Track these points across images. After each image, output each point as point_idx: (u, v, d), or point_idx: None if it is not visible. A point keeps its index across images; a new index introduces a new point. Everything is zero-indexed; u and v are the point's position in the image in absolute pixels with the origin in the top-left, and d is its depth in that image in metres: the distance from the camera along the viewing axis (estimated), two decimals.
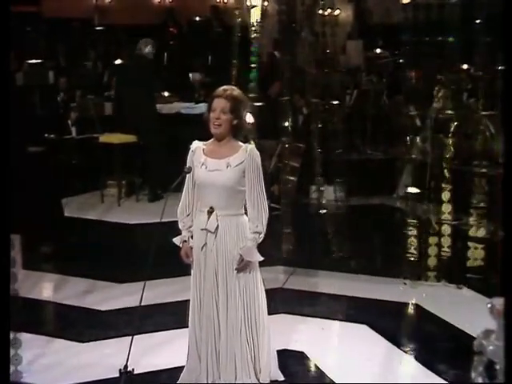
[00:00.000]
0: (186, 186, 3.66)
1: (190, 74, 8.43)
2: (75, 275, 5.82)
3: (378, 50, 11.51)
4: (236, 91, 3.57)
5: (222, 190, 3.52)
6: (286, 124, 6.39)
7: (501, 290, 2.55)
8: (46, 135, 9.02)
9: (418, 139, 5.97)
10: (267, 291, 3.70)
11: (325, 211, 6.76)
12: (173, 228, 3.72)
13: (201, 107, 8.20)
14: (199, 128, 3.76)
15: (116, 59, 10.47)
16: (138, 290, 4.04)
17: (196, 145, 3.64)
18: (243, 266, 3.55)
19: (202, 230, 3.57)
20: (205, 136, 3.65)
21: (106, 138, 8.23)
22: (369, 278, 5.78)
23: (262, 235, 3.57)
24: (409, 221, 5.79)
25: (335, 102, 6.82)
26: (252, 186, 3.54)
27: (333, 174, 6.97)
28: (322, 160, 6.67)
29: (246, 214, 3.62)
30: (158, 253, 3.47)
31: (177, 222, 3.69)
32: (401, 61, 8.02)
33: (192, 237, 3.65)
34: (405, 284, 5.59)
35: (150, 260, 3.41)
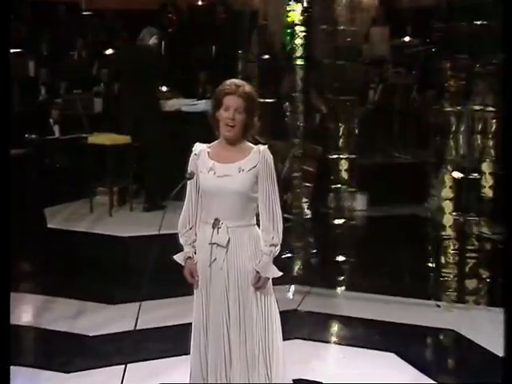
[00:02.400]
0: (188, 194, 3.65)
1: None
2: (60, 296, 5.87)
3: (407, 38, 11.53)
4: (249, 87, 3.59)
5: (233, 197, 3.52)
6: (300, 123, 6.43)
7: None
8: (26, 135, 9.10)
9: (453, 140, 5.99)
10: (280, 314, 3.72)
11: (345, 222, 6.78)
12: (172, 241, 3.74)
13: (204, 104, 8.25)
14: (202, 128, 3.78)
15: (107, 49, 10.54)
16: (132, 312, 4.06)
17: (199, 148, 3.64)
18: (261, 283, 3.55)
19: (210, 244, 3.56)
20: (209, 136, 3.66)
21: (95, 138, 8.27)
22: (396, 299, 5.80)
23: (279, 248, 3.57)
24: (443, 234, 5.81)
25: (357, 98, 6.84)
26: (266, 193, 3.55)
27: (355, 180, 6.99)
28: (343, 164, 6.69)
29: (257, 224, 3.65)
30: (156, 270, 3.50)
31: (177, 234, 3.69)
32: (433, 50, 8.04)
33: (196, 252, 3.65)
34: (438, 307, 5.60)
35: (146, 278, 3.44)
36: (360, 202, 8.03)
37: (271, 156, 3.58)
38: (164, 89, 9.35)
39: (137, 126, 8.04)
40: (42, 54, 11.69)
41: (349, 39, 7.06)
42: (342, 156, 6.92)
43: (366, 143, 8.90)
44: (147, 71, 8.09)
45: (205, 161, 3.59)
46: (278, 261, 3.56)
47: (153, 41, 8.31)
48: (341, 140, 6.80)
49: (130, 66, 8.36)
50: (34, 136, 9.22)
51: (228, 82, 3.57)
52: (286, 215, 6.32)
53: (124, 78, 8.51)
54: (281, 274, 3.58)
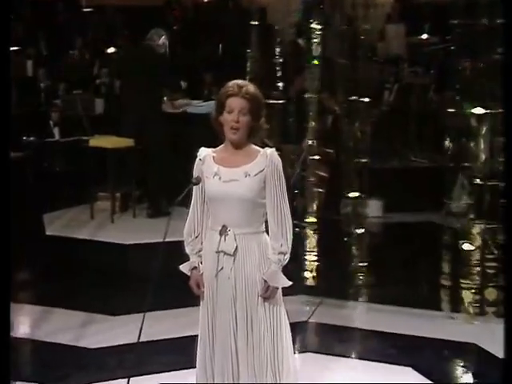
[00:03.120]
0: (193, 200, 3.67)
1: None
2: (59, 306, 5.88)
3: (424, 36, 11.53)
4: (253, 87, 3.59)
5: (240, 203, 3.53)
6: (312, 125, 6.44)
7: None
8: (25, 138, 9.14)
9: (473, 143, 5.99)
10: (291, 325, 3.73)
11: (359, 229, 6.79)
12: (178, 249, 3.76)
13: (210, 105, 8.27)
14: (208, 130, 3.78)
15: (108, 47, 10.57)
16: (135, 323, 4.08)
17: (205, 152, 3.66)
18: (270, 293, 3.56)
19: (217, 252, 3.57)
20: (215, 139, 3.66)
21: (96, 141, 8.30)
22: (413, 311, 5.80)
23: (288, 256, 3.58)
24: (462, 243, 5.81)
25: (371, 99, 6.85)
26: (274, 198, 3.56)
27: (369, 185, 7.00)
28: (356, 168, 6.70)
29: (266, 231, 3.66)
30: (160, 279, 3.51)
31: (183, 241, 3.70)
32: (452, 48, 8.03)
33: (202, 262, 3.65)
34: (452, 318, 5.61)
35: (150, 288, 3.45)
36: (374, 209, 8.03)
37: (279, 159, 3.58)
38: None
39: (140, 129, 8.07)
40: (40, 53, 11.73)
41: (362, 37, 7.07)
42: (355, 160, 6.92)
43: (381, 146, 8.91)
44: (152, 72, 8.12)
45: (210, 166, 3.60)
46: (287, 269, 3.57)
47: (162, 41, 8.34)
48: (354, 143, 6.80)
49: (135, 67, 8.39)
50: (32, 138, 9.26)
51: (231, 83, 3.58)
52: (296, 222, 6.38)
53: (128, 78, 8.55)
54: (290, 283, 3.59)
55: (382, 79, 10.15)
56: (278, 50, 5.89)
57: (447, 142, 6.40)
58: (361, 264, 6.58)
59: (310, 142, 6.54)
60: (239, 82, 3.58)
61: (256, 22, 6.23)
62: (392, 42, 11.14)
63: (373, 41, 10.54)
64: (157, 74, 8.12)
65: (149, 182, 8.31)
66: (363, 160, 6.78)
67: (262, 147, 3.63)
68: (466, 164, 6.03)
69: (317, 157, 6.56)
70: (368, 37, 7.11)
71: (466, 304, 5.71)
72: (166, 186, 7.88)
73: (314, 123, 6.40)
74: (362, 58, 7.08)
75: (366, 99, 6.94)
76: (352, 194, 6.98)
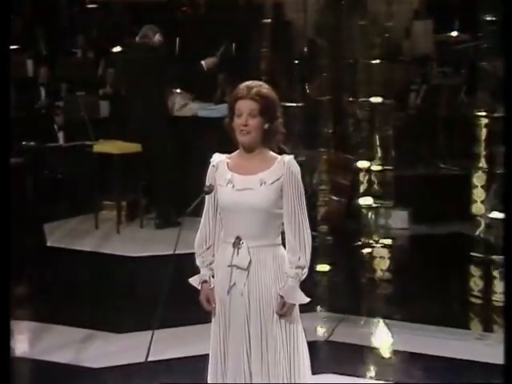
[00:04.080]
0: (205, 210, 3.68)
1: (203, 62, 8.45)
2: (61, 323, 5.92)
3: (454, 33, 11.52)
4: (264, 88, 3.60)
5: (254, 213, 3.55)
6: (331, 130, 6.46)
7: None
8: (25, 143, 9.21)
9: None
10: (308, 344, 3.76)
11: (383, 241, 6.80)
12: (188, 262, 3.79)
13: (222, 109, 8.31)
14: (220, 135, 3.79)
15: (114, 46, 10.63)
16: (141, 341, 4.12)
17: (218, 158, 3.67)
18: (286, 310, 3.57)
19: (229, 266, 3.59)
20: (228, 145, 3.69)
21: (101, 146, 8.36)
22: (441, 329, 5.82)
23: (306, 270, 3.59)
24: (494, 257, 5.82)
25: (396, 102, 6.87)
26: (292, 208, 3.56)
27: (394, 194, 7.01)
28: (380, 176, 6.72)
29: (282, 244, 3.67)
30: (169, 294, 3.54)
31: (193, 254, 3.72)
32: (484, 46, 8.04)
33: (214, 276, 3.68)
34: (480, 339, 5.61)
35: (159, 303, 3.48)
36: (399, 219, 8.05)
37: (298, 167, 3.59)
38: (178, 91, 9.40)
39: (143, 133, 8.10)
40: (41, 52, 11.81)
41: (387, 35, 7.09)
42: (379, 167, 6.94)
43: (407, 152, 8.91)
44: (151, 72, 8.14)
45: (223, 173, 3.62)
46: (304, 285, 3.59)
47: (157, 38, 8.36)
48: (378, 149, 6.82)
49: (132, 68, 8.45)
50: (32, 143, 9.33)
51: (241, 85, 3.60)
52: (314, 233, 6.39)
53: (128, 80, 8.62)
54: (308, 299, 3.60)
55: (408, 80, 10.16)
56: (295, 48, 5.91)
57: (478, 148, 6.41)
58: (384, 279, 6.58)
59: (330, 148, 6.55)
60: (250, 83, 3.60)
61: (270, 20, 6.27)
62: (419, 40, 11.14)
63: (398, 39, 10.60)
64: (155, 73, 8.15)
65: (156, 190, 8.35)
66: (387, 167, 6.78)
67: (279, 153, 3.64)
68: (499, 171, 6.04)
69: (336, 163, 6.57)
70: (393, 34, 7.11)
71: (498, 323, 5.72)
72: (175, 194, 7.92)
73: (333, 128, 6.42)
74: (387, 58, 7.10)
75: (391, 102, 6.96)
76: (375, 204, 7.00)
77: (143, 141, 8.11)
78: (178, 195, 7.88)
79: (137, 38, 8.54)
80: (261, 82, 3.65)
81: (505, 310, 2.39)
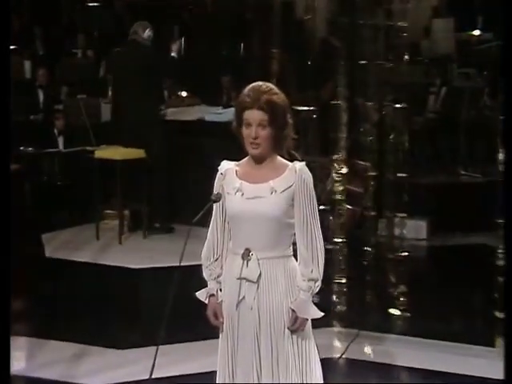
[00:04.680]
0: (213, 220, 3.70)
1: None
2: (60, 338, 5.94)
3: (477, 32, 11.52)
4: (273, 93, 3.56)
5: (265, 223, 3.56)
6: (344, 135, 6.46)
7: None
8: (22, 148, 9.26)
9: None
10: (322, 361, 3.75)
11: (400, 254, 6.80)
12: (194, 275, 3.80)
13: (230, 113, 8.33)
14: (228, 140, 3.80)
15: (116, 46, 10.67)
16: (144, 357, 4.15)
17: (226, 166, 3.68)
18: (298, 325, 3.57)
19: (238, 279, 3.60)
20: (238, 150, 3.69)
21: (103, 152, 8.39)
22: (462, 346, 5.82)
23: (319, 283, 3.60)
24: None
25: (414, 105, 6.87)
26: (304, 218, 3.57)
27: (411, 203, 7.01)
28: (396, 184, 6.72)
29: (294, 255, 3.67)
30: (174, 308, 3.55)
31: (200, 266, 3.73)
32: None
33: (221, 289, 3.68)
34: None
35: (163, 318, 3.49)
36: (417, 230, 8.06)
37: (310, 174, 3.60)
38: (184, 94, 9.43)
39: (137, 138, 8.12)
40: (39, 53, 11.87)
41: (404, 34, 7.09)
42: (395, 174, 6.94)
43: (425, 159, 8.93)
44: (139, 71, 8.15)
45: (232, 180, 3.62)
46: (317, 298, 3.61)
47: (147, 34, 8.37)
48: (394, 155, 6.82)
49: (121, 68, 8.49)
50: (30, 149, 9.37)
51: (247, 90, 3.56)
52: (327, 245, 6.37)
53: (119, 82, 8.66)
54: (322, 314, 3.61)
55: (427, 82, 10.18)
56: (307, 49, 5.93)
57: (503, 154, 6.41)
58: (402, 293, 6.59)
59: (343, 154, 6.55)
60: (256, 87, 3.55)
61: (280, 18, 6.30)
62: (439, 40, 11.14)
63: (416, 39, 10.61)
64: (146, 73, 8.15)
65: (150, 195, 8.28)
66: (404, 174, 6.79)
67: (290, 160, 3.65)
68: None
69: (350, 170, 6.58)
70: (411, 34, 7.12)
71: None
72: (167, 200, 7.96)
73: (346, 133, 6.42)
74: (404, 59, 7.10)
75: (408, 105, 6.96)
76: (391, 213, 7.00)
77: (138, 146, 8.11)
78: (171, 201, 7.93)
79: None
80: (269, 85, 3.60)
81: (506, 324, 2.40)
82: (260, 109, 3.51)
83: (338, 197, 6.61)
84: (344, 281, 6.43)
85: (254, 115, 3.52)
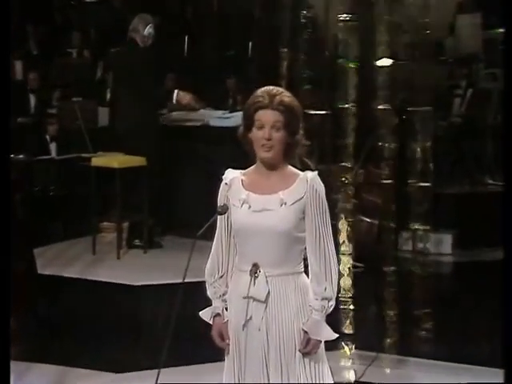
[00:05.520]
0: (217, 234, 3.71)
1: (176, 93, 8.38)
2: (52, 362, 5.95)
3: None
4: (286, 95, 3.60)
5: (273, 237, 3.56)
6: (357, 141, 6.47)
7: None
8: (13, 156, 9.31)
9: None
10: None
11: (422, 270, 6.82)
12: (199, 292, 3.81)
13: (237, 117, 8.34)
14: (235, 147, 3.77)
15: (114, 46, 10.71)
16: (144, 382, 4.16)
17: (232, 175, 3.69)
18: (311, 347, 3.58)
19: (245, 298, 3.61)
20: (243, 158, 3.70)
21: (100, 159, 8.41)
22: (489, 370, 5.82)
23: (333, 302, 3.61)
24: None
25: (437, 109, 6.88)
26: (316, 231, 3.58)
27: (434, 214, 7.03)
28: (417, 194, 6.74)
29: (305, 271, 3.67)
30: (176, 328, 3.57)
31: (204, 283, 3.74)
32: None
33: (227, 308, 3.70)
34: None
35: (165, 339, 3.49)
36: (441, 244, 8.07)
37: (322, 185, 3.61)
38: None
39: (137, 145, 8.14)
40: (31, 52, 11.92)
41: (427, 31, 7.11)
42: (417, 183, 6.96)
43: (450, 167, 8.93)
44: (137, 72, 8.16)
45: (238, 191, 3.63)
46: (331, 318, 3.62)
47: (148, 31, 8.36)
48: (415, 163, 6.85)
49: (118, 70, 8.52)
50: (21, 156, 9.42)
51: (260, 91, 3.60)
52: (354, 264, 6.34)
53: (118, 84, 8.70)
54: (336, 335, 3.63)
55: (452, 84, 10.19)
56: (319, 48, 5.95)
57: None
58: (423, 313, 6.60)
59: (359, 162, 6.58)
60: (270, 89, 3.58)
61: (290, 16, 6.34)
62: (464, 37, 11.15)
63: (440, 37, 10.62)
64: (144, 75, 8.13)
65: (142, 207, 8.27)
66: (427, 183, 6.81)
67: (302, 169, 3.65)
68: None
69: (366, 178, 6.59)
70: (434, 31, 7.14)
71: None
72: (157, 212, 7.99)
73: (362, 139, 6.44)
74: (426, 58, 7.12)
75: (431, 109, 6.98)
76: (413, 226, 7.02)
77: (138, 153, 8.12)
78: (173, 212, 7.96)
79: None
80: (281, 88, 3.64)
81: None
82: (275, 109, 3.54)
83: (354, 208, 6.63)
84: (362, 300, 6.45)
85: (268, 116, 3.55)
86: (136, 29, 8.34)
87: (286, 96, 3.58)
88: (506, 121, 2.66)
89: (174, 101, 8.29)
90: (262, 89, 3.60)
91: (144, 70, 8.18)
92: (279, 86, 3.74)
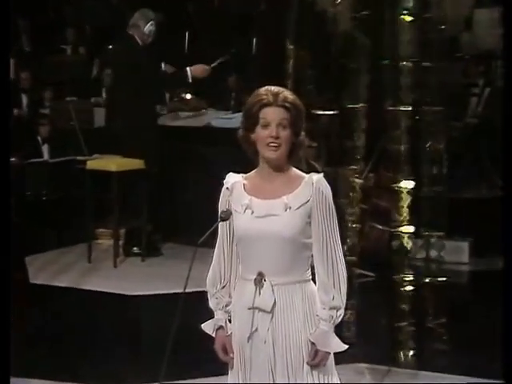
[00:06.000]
0: (219, 241, 3.73)
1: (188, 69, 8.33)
2: (46, 377, 5.96)
3: None
4: (289, 93, 3.63)
5: (279, 244, 3.57)
6: (366, 143, 6.48)
7: None
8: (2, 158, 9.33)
9: None
10: None
11: (438, 280, 6.83)
12: (201, 303, 3.84)
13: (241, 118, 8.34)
14: (239, 149, 3.75)
15: (113, 42, 10.73)
16: None
17: (233, 179, 3.70)
18: (319, 360, 3.59)
19: (250, 308, 3.62)
20: (248, 161, 3.71)
21: (96, 162, 8.44)
22: None
23: (342, 311, 3.62)
24: None
25: (452, 109, 6.89)
26: (323, 237, 3.60)
27: (450, 221, 7.04)
28: (431, 198, 6.74)
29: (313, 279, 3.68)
30: (177, 341, 3.58)
31: (206, 293, 3.74)
32: None
33: (231, 320, 3.71)
34: None
35: (165, 352, 3.50)
36: (457, 252, 8.06)
37: (329, 188, 3.62)
38: (188, 96, 9.45)
39: (135, 147, 8.16)
40: (23, 49, 11.94)
41: (442, 27, 7.12)
42: (431, 188, 6.97)
43: (466, 170, 8.92)
44: (134, 71, 8.18)
45: (240, 196, 3.64)
46: (340, 329, 3.64)
47: (148, 28, 8.37)
48: (429, 166, 6.86)
49: (116, 68, 8.53)
50: (12, 159, 9.43)
51: (260, 90, 3.62)
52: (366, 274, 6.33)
53: (115, 83, 8.72)
54: (345, 347, 3.63)
55: (468, 82, 10.18)
56: (327, 45, 5.96)
57: None
58: (438, 324, 6.61)
59: (369, 165, 6.59)
60: (271, 87, 3.61)
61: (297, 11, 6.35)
62: (482, 33, 11.15)
63: (456, 31, 10.62)
64: (142, 73, 8.15)
65: (142, 213, 8.29)
66: (440, 188, 6.82)
67: (307, 172, 3.67)
68: None
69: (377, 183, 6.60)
70: (449, 26, 7.15)
71: None
72: (158, 218, 8.01)
73: (372, 140, 6.45)
74: (441, 55, 7.13)
75: (445, 109, 6.99)
76: (427, 233, 7.03)
77: (136, 155, 8.13)
78: (174, 218, 7.97)
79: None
80: (281, 88, 3.66)
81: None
82: (281, 106, 3.57)
83: (363, 214, 6.64)
84: (373, 310, 6.46)
85: (273, 113, 3.57)
86: (136, 25, 8.34)
87: (289, 94, 3.62)
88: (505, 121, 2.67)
89: (190, 79, 8.24)
90: (262, 88, 3.63)
91: (143, 68, 8.19)
92: (285, 84, 3.77)
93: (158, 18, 8.62)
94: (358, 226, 6.72)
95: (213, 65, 7.83)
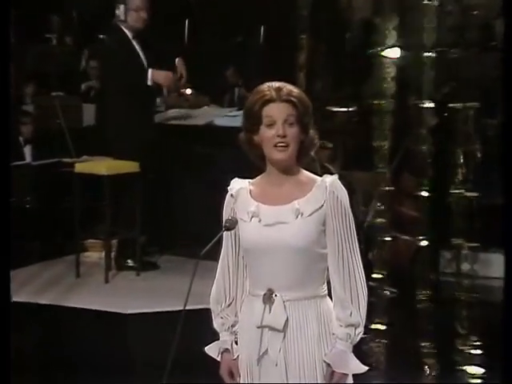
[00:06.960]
0: (223, 253, 3.76)
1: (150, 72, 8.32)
2: None
3: None
4: (293, 87, 3.65)
5: (290, 256, 3.58)
6: (389, 144, 6.51)
7: None
8: None
9: None
10: None
11: (471, 295, 6.86)
12: (203, 322, 3.88)
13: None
14: (243, 151, 3.75)
15: (102, 32, 10.77)
16: None
17: (238, 185, 3.72)
18: (336, 382, 3.61)
19: (259, 327, 3.63)
20: (252, 163, 3.70)
21: (84, 165, 8.44)
22: None
23: (361, 329, 3.64)
24: None
25: (484, 105, 6.92)
26: (339, 247, 3.61)
27: (484, 231, 7.07)
28: (462, 205, 6.77)
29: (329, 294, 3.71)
30: (177, 364, 3.59)
31: (209, 311, 3.78)
32: None
33: (237, 342, 3.74)
34: None
35: (163, 376, 3.53)
36: (491, 265, 8.08)
37: (344, 191, 3.64)
38: (188, 92, 9.47)
39: (129, 148, 8.20)
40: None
41: (475, 12, 7.14)
42: (462, 193, 7.00)
43: (501, 174, 8.93)
44: (129, 65, 8.23)
45: (246, 203, 3.66)
46: (360, 349, 3.67)
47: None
48: (459, 169, 6.89)
49: (107, 60, 8.58)
50: None
51: (261, 87, 3.64)
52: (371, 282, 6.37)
53: (105, 76, 8.77)
54: (365, 368, 3.66)
55: (503, 75, 10.19)
56: (344, 35, 5.98)
57: None
58: (473, 345, 6.64)
59: (391, 167, 6.62)
60: (272, 83, 3.63)
61: None
62: None
63: (491, 17, 10.65)
64: (133, 69, 8.21)
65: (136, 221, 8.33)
66: (472, 193, 6.84)
67: (320, 175, 3.68)
68: None
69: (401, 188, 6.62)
70: (483, 12, 7.19)
71: None
72: (155, 228, 8.05)
73: (395, 140, 6.46)
74: (472, 45, 7.16)
75: (478, 105, 7.02)
76: (457, 244, 7.05)
77: (130, 157, 8.17)
78: (159, 229, 8.00)
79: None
80: (283, 83, 3.66)
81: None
82: (285, 101, 3.58)
83: (386, 222, 6.65)
84: (398, 328, 6.49)
85: (278, 109, 3.59)
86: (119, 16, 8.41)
87: (292, 88, 3.63)
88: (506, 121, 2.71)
89: (149, 82, 8.22)
90: (263, 84, 3.65)
91: (135, 61, 8.25)
92: (296, 77, 3.79)
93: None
94: (380, 236, 6.73)
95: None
